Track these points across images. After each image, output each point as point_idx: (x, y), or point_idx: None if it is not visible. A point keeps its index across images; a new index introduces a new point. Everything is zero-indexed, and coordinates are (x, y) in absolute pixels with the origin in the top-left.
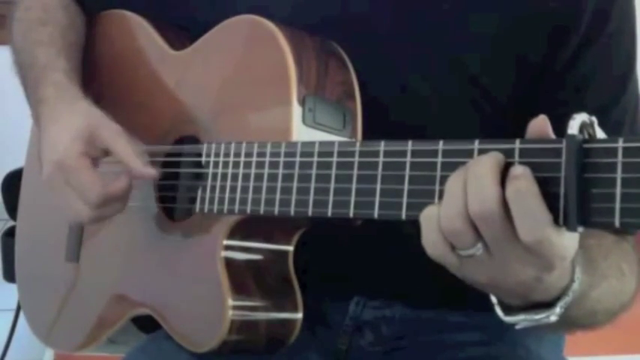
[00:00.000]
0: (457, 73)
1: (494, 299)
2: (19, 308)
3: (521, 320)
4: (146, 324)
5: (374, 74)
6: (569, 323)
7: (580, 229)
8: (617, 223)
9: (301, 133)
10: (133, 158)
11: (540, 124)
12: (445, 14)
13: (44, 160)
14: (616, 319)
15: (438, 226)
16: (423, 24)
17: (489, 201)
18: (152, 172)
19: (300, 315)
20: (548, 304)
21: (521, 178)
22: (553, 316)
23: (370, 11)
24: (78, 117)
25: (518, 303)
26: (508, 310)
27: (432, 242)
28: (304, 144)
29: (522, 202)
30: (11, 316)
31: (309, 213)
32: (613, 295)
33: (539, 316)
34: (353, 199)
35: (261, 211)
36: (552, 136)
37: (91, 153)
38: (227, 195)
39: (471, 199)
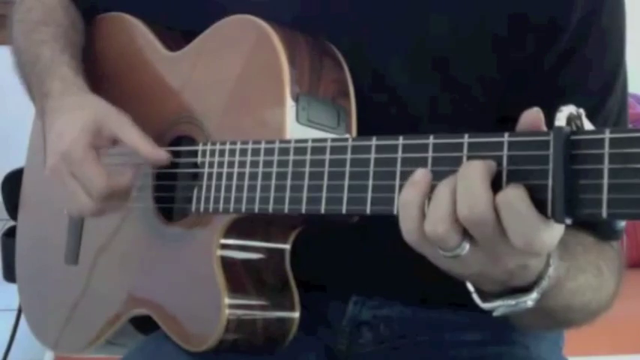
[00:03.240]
0: (439, 72)
1: (471, 287)
2: (20, 308)
3: (498, 306)
4: (144, 325)
5: (354, 71)
6: (545, 315)
7: (568, 220)
8: (604, 213)
9: (295, 131)
10: (143, 143)
11: (534, 116)
12: (427, 14)
13: (49, 152)
14: (594, 319)
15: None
16: (404, 21)
17: (480, 205)
18: (163, 155)
19: (297, 314)
20: (525, 290)
21: (509, 187)
22: (530, 301)
23: (350, 10)
24: (85, 109)
25: (497, 289)
26: (484, 297)
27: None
28: (297, 141)
29: (511, 209)
30: (12, 316)
31: (303, 210)
32: (590, 291)
33: (515, 301)
34: (345, 195)
35: (256, 210)
36: (544, 128)
37: (98, 144)
38: (222, 194)
39: (461, 204)
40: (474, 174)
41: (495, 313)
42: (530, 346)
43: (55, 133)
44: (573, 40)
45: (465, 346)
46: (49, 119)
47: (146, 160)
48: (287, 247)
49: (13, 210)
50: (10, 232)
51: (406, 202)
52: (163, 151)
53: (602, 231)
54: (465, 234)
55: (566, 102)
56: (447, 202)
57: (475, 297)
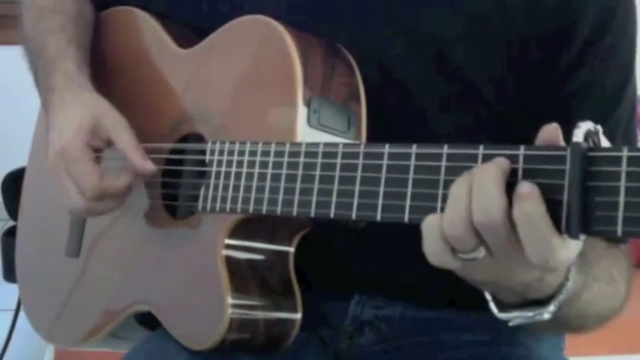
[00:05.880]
0: (452, 77)
1: (488, 296)
2: (18, 308)
3: (515, 317)
4: (148, 320)
5: (364, 72)
6: (559, 324)
7: (582, 236)
8: (619, 231)
9: (306, 134)
10: (133, 151)
11: (552, 133)
12: (439, 15)
13: (49, 148)
14: (605, 324)
15: (439, 234)
16: (412, 21)
17: (493, 211)
18: (150, 167)
19: (299, 315)
20: (543, 302)
21: (529, 198)
22: (547, 313)
23: (354, 12)
24: (84, 107)
25: (514, 300)
26: (501, 306)
27: (433, 251)
28: (308, 145)
29: (530, 226)
30: (11, 315)
31: (312, 214)
32: (604, 299)
33: (533, 313)
34: (356, 201)
35: (264, 211)
36: (562, 144)
37: (94, 144)
38: (230, 194)
39: (475, 209)
40: (488, 179)
41: (511, 324)
42: (531, 347)
43: (54, 130)
44: (586, 43)
45: (466, 347)
46: (50, 115)
47: (133, 169)
48: (291, 249)
49: (13, 210)
50: (11, 232)
51: (456, 184)
52: (151, 164)
53: None
54: (482, 239)
55: (578, 107)
56: (464, 204)
57: (492, 306)
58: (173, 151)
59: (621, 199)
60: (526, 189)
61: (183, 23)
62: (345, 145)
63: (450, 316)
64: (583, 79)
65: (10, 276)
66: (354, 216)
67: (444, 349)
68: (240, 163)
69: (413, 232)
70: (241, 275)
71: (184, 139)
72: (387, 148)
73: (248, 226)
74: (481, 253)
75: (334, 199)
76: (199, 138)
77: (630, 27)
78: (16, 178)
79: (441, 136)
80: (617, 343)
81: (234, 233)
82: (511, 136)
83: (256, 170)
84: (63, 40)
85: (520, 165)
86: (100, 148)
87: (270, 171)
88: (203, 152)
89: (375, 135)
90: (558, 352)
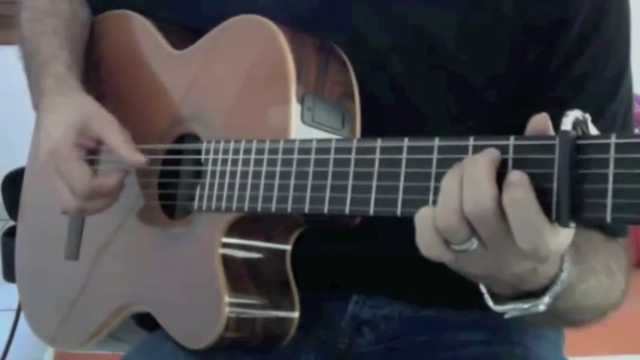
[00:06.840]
0: (446, 71)
1: (483, 289)
2: (19, 308)
3: (510, 309)
4: (146, 321)
5: (359, 69)
6: (557, 317)
7: (572, 224)
8: (608, 218)
9: (300, 131)
10: (122, 145)
11: (541, 122)
12: (434, 13)
13: (39, 149)
14: (605, 318)
15: (432, 226)
16: (406, 18)
17: (485, 201)
18: (141, 159)
19: (296, 314)
20: (538, 294)
21: (518, 185)
22: (542, 305)
23: (350, 7)
24: (73, 108)
25: (509, 292)
26: (496, 299)
27: (426, 243)
28: (302, 141)
29: (519, 211)
30: (12, 316)
31: (306, 210)
32: (601, 292)
33: (528, 305)
34: (349, 195)
35: (259, 209)
36: (552, 133)
37: (83, 144)
38: (225, 192)
39: (466, 199)
40: (478, 170)
41: (507, 316)
42: (530, 346)
43: (43, 132)
44: (579, 39)
45: (465, 346)
46: (40, 117)
47: (124, 163)
48: (288, 248)
49: (13, 210)
50: (10, 232)
51: (448, 177)
52: (141, 155)
53: (610, 228)
54: (474, 230)
55: (573, 101)
56: (456, 195)
57: (487, 299)
58: (169, 152)
59: (610, 185)
60: (515, 177)
61: (180, 25)
62: (338, 140)
63: (449, 316)
64: (578, 73)
65: (10, 276)
66: (347, 211)
67: (442, 349)
68: (235, 162)
69: (411, 231)
70: (238, 274)
71: (181, 139)
72: (379, 143)
73: (244, 225)
74: (474, 244)
75: (327, 194)
76: (195, 138)
77: (626, 15)
78: (16, 178)
79: (435, 127)
80: (617, 343)
81: (230, 232)
82: (503, 125)
83: (251, 168)
84: (55, 44)
85: (510, 155)
86: (90, 148)
87: (264, 169)
88: (199, 152)
89: (371, 133)
90: (557, 351)
